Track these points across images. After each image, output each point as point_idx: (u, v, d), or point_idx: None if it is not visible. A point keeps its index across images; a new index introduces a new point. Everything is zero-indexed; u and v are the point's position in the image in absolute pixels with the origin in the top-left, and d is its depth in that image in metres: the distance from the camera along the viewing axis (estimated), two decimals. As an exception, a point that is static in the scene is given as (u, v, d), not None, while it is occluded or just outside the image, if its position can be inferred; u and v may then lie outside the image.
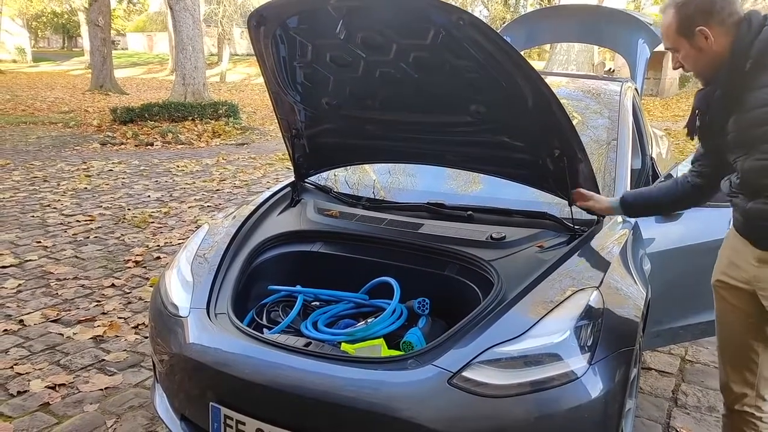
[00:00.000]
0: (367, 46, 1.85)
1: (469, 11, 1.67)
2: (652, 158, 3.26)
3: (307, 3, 1.81)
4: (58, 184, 6.51)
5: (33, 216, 5.21)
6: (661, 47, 4.43)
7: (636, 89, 3.47)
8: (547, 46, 20.81)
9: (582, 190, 2.03)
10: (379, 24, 1.76)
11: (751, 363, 1.82)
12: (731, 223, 1.79)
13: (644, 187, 2.21)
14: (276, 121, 2.42)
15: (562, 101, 1.78)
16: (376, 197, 2.54)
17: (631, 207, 2.02)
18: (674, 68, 1.68)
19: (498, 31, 4.83)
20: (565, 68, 17.10)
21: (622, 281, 1.91)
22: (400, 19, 1.73)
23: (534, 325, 1.64)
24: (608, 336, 1.67)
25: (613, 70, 12.64)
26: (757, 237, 1.65)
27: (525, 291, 1.76)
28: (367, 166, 2.80)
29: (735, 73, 1.54)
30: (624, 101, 2.88)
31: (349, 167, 2.77)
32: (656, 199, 2.00)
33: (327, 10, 1.75)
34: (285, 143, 2.50)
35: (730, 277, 1.79)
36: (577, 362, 1.57)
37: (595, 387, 1.57)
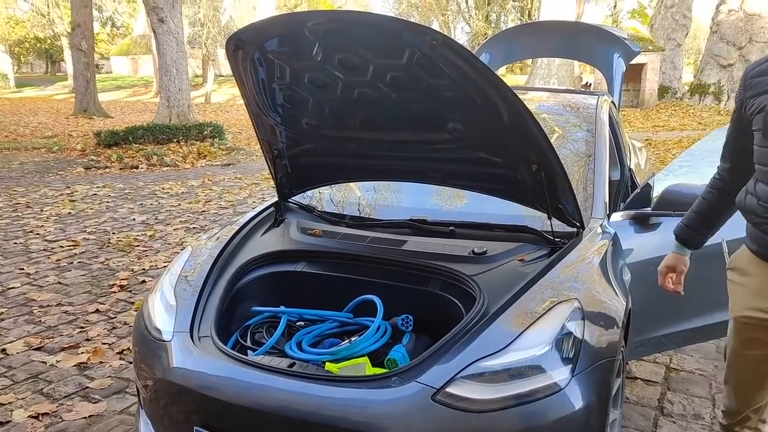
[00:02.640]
0: (344, 67, 1.88)
1: (449, 28, 1.70)
2: (630, 169, 3.32)
3: (283, 26, 1.84)
4: (42, 210, 6.45)
5: (15, 243, 5.16)
6: (637, 59, 4.51)
7: (613, 102, 3.54)
8: (529, 60, 21.12)
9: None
10: (355, 46, 1.79)
11: (764, 392, 1.74)
12: (745, 246, 1.66)
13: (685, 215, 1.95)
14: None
15: (540, 116, 1.81)
16: (359, 215, 2.56)
17: (689, 241, 1.88)
18: None
19: (478, 47, 4.87)
20: (546, 82, 17.35)
21: (602, 292, 1.93)
22: (375, 40, 1.76)
23: (516, 338, 1.65)
24: (590, 347, 1.69)
25: (590, 84, 12.86)
26: None
27: (507, 305, 1.77)
28: (350, 184, 2.82)
29: None
30: (600, 114, 2.93)
31: (332, 186, 2.79)
32: (704, 218, 1.83)
33: (304, 33, 1.78)
34: (267, 164, 2.51)
35: (763, 311, 1.61)
36: (559, 374, 1.59)
37: (578, 398, 1.58)
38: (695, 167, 3.25)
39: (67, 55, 27.94)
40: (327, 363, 1.78)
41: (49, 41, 43.54)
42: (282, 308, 2.08)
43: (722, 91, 18.59)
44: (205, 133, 11.52)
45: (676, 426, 2.49)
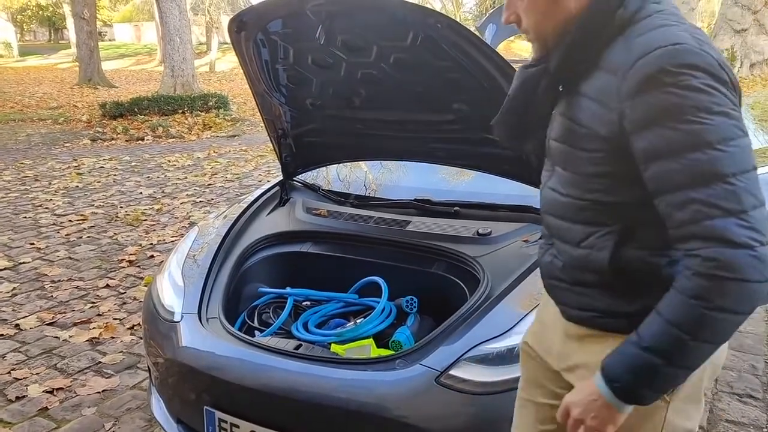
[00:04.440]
0: (347, 49, 1.86)
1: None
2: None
3: (285, 8, 1.82)
4: (50, 183, 6.49)
5: (25, 217, 5.21)
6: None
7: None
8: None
9: None
10: (358, 27, 1.77)
11: None
12: None
13: None
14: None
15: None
16: (364, 194, 2.56)
17: None
18: (507, 21, 1.10)
19: (484, 18, 4.78)
20: (555, 49, 17.01)
21: (606, 273, 1.94)
22: (378, 22, 1.74)
23: (520, 320, 1.67)
24: (593, 329, 1.70)
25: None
26: (557, 301, 1.18)
27: (511, 287, 1.79)
28: (355, 163, 2.82)
29: (578, 49, 1.02)
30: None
31: (337, 164, 2.79)
32: None
33: (306, 14, 1.75)
34: (271, 143, 2.51)
35: (537, 342, 1.31)
36: (562, 356, 1.61)
37: (580, 379, 1.61)
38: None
39: (70, 23, 27.60)
40: (333, 344, 1.81)
41: (51, 8, 43.05)
42: (288, 289, 2.11)
43: (735, 57, 18.15)
44: (210, 103, 11.45)
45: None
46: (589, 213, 1.05)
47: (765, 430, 2.32)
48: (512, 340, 1.63)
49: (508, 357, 1.60)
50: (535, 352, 1.31)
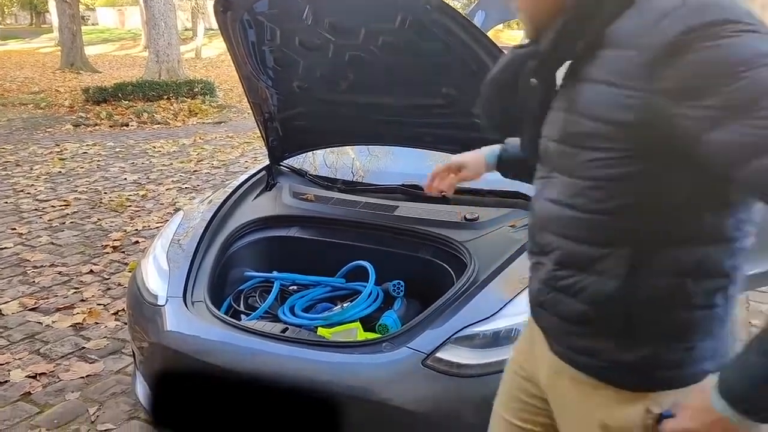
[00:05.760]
0: (335, 30, 1.84)
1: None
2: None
3: (273, -13, 1.79)
4: (31, 169, 6.38)
5: (6, 202, 5.12)
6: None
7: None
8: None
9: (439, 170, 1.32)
10: (346, 8, 1.75)
11: None
12: None
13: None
14: (249, 103, 2.41)
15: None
16: (352, 179, 2.55)
17: (509, 163, 1.31)
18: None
19: (474, 4, 4.75)
20: (543, 38, 17.05)
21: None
22: (367, 3, 1.72)
23: (506, 304, 1.68)
24: (578, 312, 1.72)
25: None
26: (548, 331, 1.02)
27: (498, 271, 1.80)
28: (342, 147, 2.80)
29: (573, 24, 0.88)
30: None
31: (324, 149, 2.77)
32: None
33: (293, -6, 1.73)
34: (258, 127, 2.49)
35: (524, 370, 1.15)
36: (547, 339, 1.62)
37: (565, 362, 1.62)
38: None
39: (52, 6, 27.03)
40: (319, 328, 1.81)
41: (32, -9, 42.17)
42: (275, 273, 2.10)
43: None
44: (196, 90, 11.30)
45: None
46: (602, 230, 0.87)
47: None
48: (498, 323, 1.64)
49: (494, 340, 1.61)
50: (523, 371, 1.14)
